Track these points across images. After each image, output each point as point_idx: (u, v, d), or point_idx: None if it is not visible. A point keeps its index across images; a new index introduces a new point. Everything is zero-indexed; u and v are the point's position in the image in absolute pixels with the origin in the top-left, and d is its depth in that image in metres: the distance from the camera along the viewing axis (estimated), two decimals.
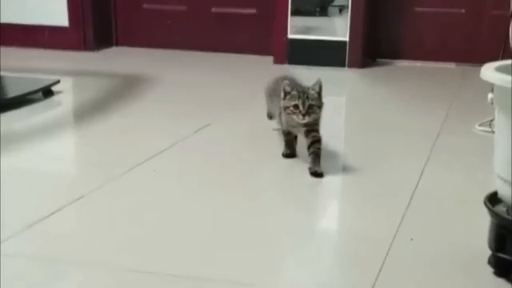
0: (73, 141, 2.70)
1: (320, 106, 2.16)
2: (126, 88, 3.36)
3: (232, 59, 4.07)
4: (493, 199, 1.57)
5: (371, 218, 1.90)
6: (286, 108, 2.16)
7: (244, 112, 2.97)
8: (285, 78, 2.28)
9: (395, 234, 1.77)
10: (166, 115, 2.92)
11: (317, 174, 2.15)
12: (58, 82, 3.16)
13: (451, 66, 3.93)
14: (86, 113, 2.97)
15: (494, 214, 1.53)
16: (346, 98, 3.45)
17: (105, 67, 3.85)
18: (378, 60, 4.04)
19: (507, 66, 1.52)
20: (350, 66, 3.84)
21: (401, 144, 2.58)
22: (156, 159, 2.32)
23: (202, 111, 2.97)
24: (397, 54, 4.05)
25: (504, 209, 1.54)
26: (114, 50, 4.35)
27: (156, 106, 3.08)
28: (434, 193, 2.08)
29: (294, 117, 2.15)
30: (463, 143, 2.58)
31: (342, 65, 3.85)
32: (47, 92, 3.11)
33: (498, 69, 1.48)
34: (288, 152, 2.32)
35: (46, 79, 3.16)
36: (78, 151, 2.61)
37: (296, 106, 2.13)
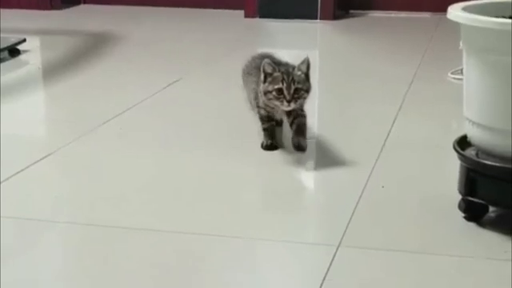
0: (40, 100, 2.64)
1: (308, 90, 1.86)
2: (93, 46, 3.30)
3: (202, 14, 4.00)
4: (462, 143, 1.55)
5: (343, 166, 1.88)
6: (267, 93, 1.84)
7: (215, 66, 2.92)
8: (262, 56, 1.97)
9: (366, 182, 1.76)
10: (135, 72, 2.87)
11: (300, 148, 1.93)
12: (24, 40, 3.09)
13: (426, 15, 3.89)
14: (53, 71, 2.91)
15: (463, 158, 1.52)
16: (318, 50, 3.40)
17: (72, 26, 3.78)
18: (351, 11, 3.99)
19: (474, 5, 1.49)
20: (323, 18, 3.79)
21: (374, 92, 2.56)
22: (123, 116, 2.28)
23: (173, 66, 2.92)
24: (370, 5, 3.99)
25: (473, 152, 1.53)
26: (81, 7, 4.25)
27: (124, 63, 3.02)
28: (405, 140, 2.06)
29: (278, 103, 1.84)
30: (436, 91, 2.56)
31: (315, 17, 3.79)
32: (14, 51, 3.05)
33: (465, 9, 1.46)
34: (269, 142, 1.95)
35: (11, 37, 3.09)
36: (45, 110, 2.57)
37: (280, 91, 1.82)
